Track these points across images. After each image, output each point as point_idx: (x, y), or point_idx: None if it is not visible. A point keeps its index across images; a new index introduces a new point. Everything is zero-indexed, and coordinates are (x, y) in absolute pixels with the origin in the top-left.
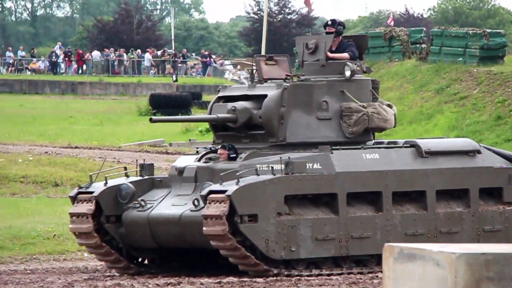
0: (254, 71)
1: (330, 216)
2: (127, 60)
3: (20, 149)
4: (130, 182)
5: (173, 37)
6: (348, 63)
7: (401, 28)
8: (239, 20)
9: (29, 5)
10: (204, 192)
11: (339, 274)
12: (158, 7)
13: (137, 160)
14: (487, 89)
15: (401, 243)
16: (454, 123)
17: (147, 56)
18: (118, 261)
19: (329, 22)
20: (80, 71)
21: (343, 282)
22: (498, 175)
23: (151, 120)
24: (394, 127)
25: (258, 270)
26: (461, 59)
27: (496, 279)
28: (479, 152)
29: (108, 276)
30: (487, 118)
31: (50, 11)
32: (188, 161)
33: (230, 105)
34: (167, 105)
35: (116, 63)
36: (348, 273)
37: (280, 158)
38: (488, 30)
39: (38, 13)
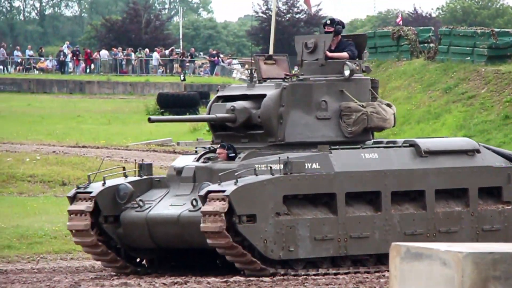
0: (253, 70)
1: (329, 216)
2: (135, 59)
3: (27, 148)
4: (129, 182)
5: (181, 36)
6: (347, 62)
7: (409, 27)
8: (247, 19)
9: (37, 4)
10: (202, 193)
11: (338, 274)
12: (167, 6)
13: (136, 160)
14: (495, 88)
15: (408, 243)
16: (462, 123)
17: (155, 55)
18: (114, 260)
19: (328, 22)
20: (88, 70)
21: (349, 281)
22: (497, 175)
23: (149, 120)
24: (393, 126)
25: (254, 268)
26: (469, 58)
27: (503, 278)
28: (478, 151)
29: (115, 275)
30: (495, 118)
31: (58, 10)
32: (186, 161)
33: (229, 104)
34: (175, 105)
35: (124, 62)
36: (347, 273)
37: (279, 158)
38: (497, 30)
39: (46, 12)
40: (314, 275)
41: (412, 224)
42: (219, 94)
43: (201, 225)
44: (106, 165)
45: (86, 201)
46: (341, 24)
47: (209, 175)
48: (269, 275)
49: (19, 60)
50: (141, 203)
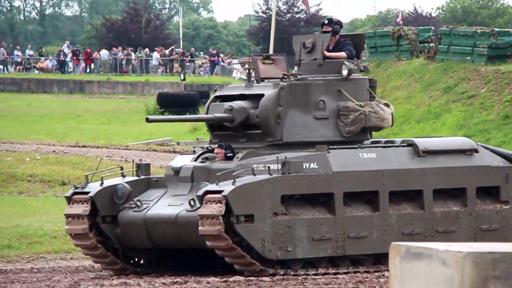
0: (251, 70)
1: (327, 216)
2: (135, 59)
3: (27, 148)
4: (126, 182)
5: (181, 36)
6: (345, 62)
7: (409, 27)
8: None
9: (37, 4)
10: (200, 193)
11: (337, 274)
12: (167, 6)
13: (133, 160)
14: (495, 88)
15: (408, 242)
16: (462, 122)
17: (155, 55)
18: (113, 263)
19: (326, 21)
20: (88, 70)
21: (349, 280)
22: (495, 174)
23: (147, 120)
24: (391, 126)
25: (253, 270)
26: (469, 58)
27: (503, 278)
28: (476, 151)
29: (115, 275)
30: (495, 117)
31: (58, 10)
32: (184, 161)
33: (227, 104)
34: (175, 104)
35: (124, 62)
36: (347, 273)
37: (277, 158)
38: (497, 29)
39: (46, 12)
40: (314, 274)
41: (410, 224)
42: (217, 94)
43: (200, 228)
44: (106, 164)
45: (83, 203)
46: (339, 23)
47: (207, 175)
48: (268, 275)
49: (19, 60)
50: (139, 203)
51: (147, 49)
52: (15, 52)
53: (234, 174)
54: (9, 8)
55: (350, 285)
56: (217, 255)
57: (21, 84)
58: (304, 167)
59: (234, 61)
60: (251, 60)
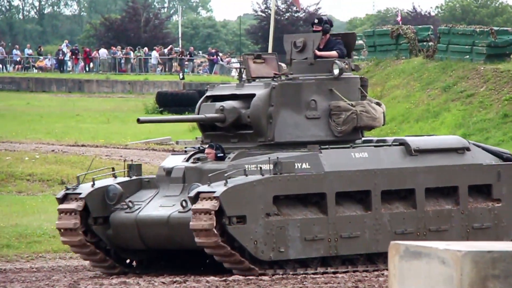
0: (242, 69)
1: (319, 216)
2: (134, 58)
3: (26, 147)
4: (118, 183)
5: (180, 35)
6: (336, 61)
7: (408, 26)
8: (247, 18)
9: (36, 3)
10: (192, 194)
11: (337, 273)
12: (166, 5)
13: (125, 160)
14: (494, 87)
15: (407, 241)
16: (460, 121)
17: (154, 54)
18: (103, 260)
19: (316, 21)
20: (87, 69)
21: (348, 280)
22: (487, 172)
23: (138, 121)
24: (383, 125)
25: (243, 268)
26: (468, 56)
27: (502, 277)
28: (468, 149)
29: (114, 274)
30: (494, 116)
31: (57, 9)
32: (176, 162)
33: (218, 104)
34: (173, 103)
35: (123, 61)
36: (346, 272)
37: (269, 158)
38: (495, 28)
39: (45, 11)
40: (313, 273)
41: (402, 223)
42: (208, 94)
43: (191, 223)
44: (105, 164)
45: (77, 200)
46: (329, 23)
47: (198, 176)
48: (258, 275)
49: (18, 59)
50: (130, 204)
51: (146, 48)
52: (14, 51)
53: (226, 175)
54: (8, 7)
55: (350, 284)
56: (208, 256)
57: (20, 83)
58: (296, 167)
59: (233, 60)
60: (242, 60)
